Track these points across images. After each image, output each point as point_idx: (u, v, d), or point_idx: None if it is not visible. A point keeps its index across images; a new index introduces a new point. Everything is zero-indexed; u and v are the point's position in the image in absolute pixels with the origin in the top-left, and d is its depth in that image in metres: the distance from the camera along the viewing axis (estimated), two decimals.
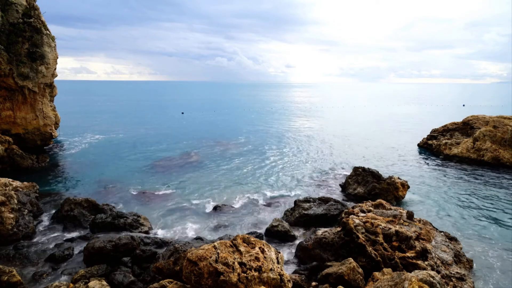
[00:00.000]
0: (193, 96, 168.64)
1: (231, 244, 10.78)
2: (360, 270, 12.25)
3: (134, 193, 23.38)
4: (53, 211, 19.56)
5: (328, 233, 14.90)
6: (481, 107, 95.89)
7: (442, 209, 21.06)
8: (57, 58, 33.42)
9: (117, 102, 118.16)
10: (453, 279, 12.13)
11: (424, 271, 10.37)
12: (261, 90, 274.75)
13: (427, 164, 32.48)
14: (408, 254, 12.95)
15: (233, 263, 9.93)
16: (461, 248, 14.84)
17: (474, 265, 14.33)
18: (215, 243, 10.62)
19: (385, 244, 13.43)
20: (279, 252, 11.64)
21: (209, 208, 21.00)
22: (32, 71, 30.53)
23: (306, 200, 20.72)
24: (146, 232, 17.66)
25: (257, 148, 39.21)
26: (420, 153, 37.44)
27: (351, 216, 15.45)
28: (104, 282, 11.76)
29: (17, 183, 19.73)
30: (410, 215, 15.79)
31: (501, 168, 29.24)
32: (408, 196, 22.82)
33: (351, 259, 12.48)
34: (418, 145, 38.89)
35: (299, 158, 34.42)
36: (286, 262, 14.53)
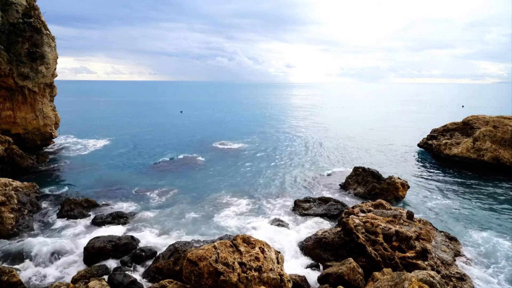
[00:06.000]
0: (193, 96, 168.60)
1: (231, 244, 10.78)
2: (360, 270, 12.25)
3: (134, 193, 23.37)
4: (53, 211, 19.56)
5: (328, 233, 14.90)
6: (481, 107, 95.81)
7: (442, 209, 21.05)
8: (57, 58, 33.42)
9: (117, 102, 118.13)
10: (453, 279, 12.13)
11: (424, 271, 10.38)
12: (261, 90, 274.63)
13: (427, 164, 32.49)
14: (408, 254, 12.95)
15: (233, 263, 9.93)
16: (461, 248, 14.84)
17: (474, 265, 14.33)
18: (215, 243, 10.63)
19: (385, 244, 13.43)
20: (279, 252, 11.65)
21: (209, 207, 20.98)
22: (32, 71, 30.53)
23: (306, 200, 20.75)
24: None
25: (257, 149, 39.20)
26: (420, 153, 37.45)
27: (351, 216, 15.44)
28: (104, 282, 11.75)
29: (17, 183, 19.74)
30: (410, 215, 15.80)
31: (501, 168, 29.20)
32: (408, 196, 22.81)
33: (351, 259, 12.49)
34: (418, 145, 38.82)
35: (298, 158, 34.41)
36: (286, 262, 14.52)
